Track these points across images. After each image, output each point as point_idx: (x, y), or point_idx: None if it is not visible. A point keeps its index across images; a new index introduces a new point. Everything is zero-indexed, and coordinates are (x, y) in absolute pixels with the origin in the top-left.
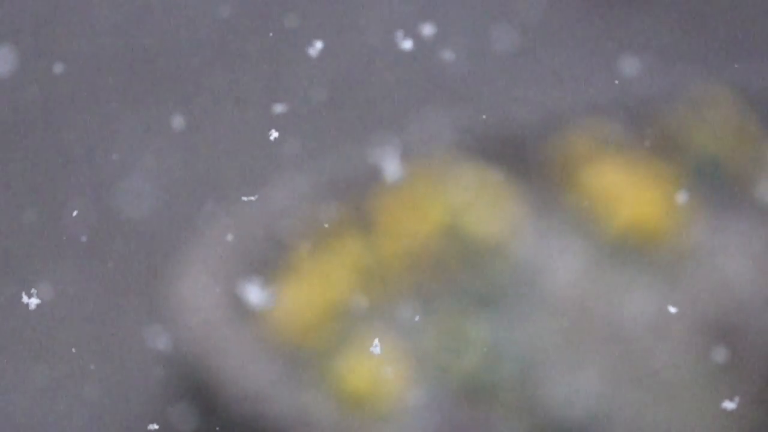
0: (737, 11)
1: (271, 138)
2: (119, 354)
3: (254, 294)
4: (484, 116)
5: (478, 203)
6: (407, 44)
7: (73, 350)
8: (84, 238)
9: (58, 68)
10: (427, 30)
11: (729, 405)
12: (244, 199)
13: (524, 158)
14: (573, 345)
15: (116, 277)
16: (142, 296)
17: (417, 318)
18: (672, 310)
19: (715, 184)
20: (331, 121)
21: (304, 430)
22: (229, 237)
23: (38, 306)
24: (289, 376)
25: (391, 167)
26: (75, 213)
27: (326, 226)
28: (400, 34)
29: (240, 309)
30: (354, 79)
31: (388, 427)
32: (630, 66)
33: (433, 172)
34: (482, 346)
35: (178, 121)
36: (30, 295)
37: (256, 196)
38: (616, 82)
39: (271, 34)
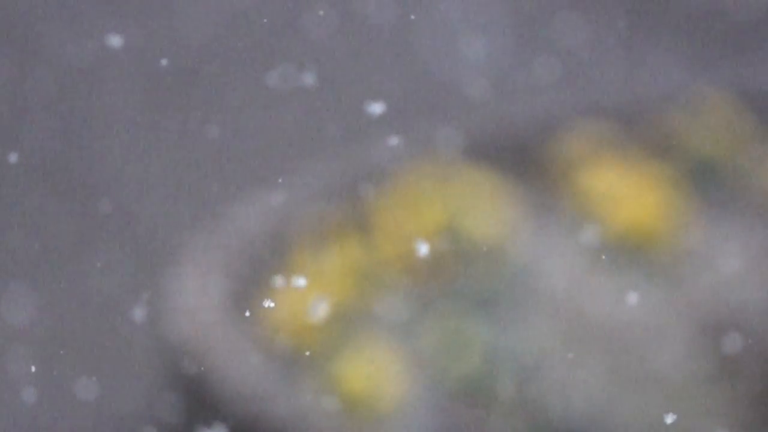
0: (735, 13)
1: (266, 306)
2: (115, 355)
3: (252, 295)
4: (482, 118)
5: (476, 205)
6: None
7: (69, 351)
8: (83, 237)
9: (13, 158)
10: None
11: (726, 406)
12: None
13: (522, 160)
14: (571, 346)
15: (114, 278)
16: (140, 297)
17: (415, 320)
18: (668, 420)
19: (713, 185)
20: (329, 122)
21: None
22: (228, 239)
23: (37, 307)
24: (287, 378)
25: (389, 169)
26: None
27: (324, 227)
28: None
29: (238, 310)
30: (352, 83)
31: (386, 429)
32: (628, 68)
33: (431, 175)
34: (480, 347)
35: (178, 124)
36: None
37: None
38: (614, 83)
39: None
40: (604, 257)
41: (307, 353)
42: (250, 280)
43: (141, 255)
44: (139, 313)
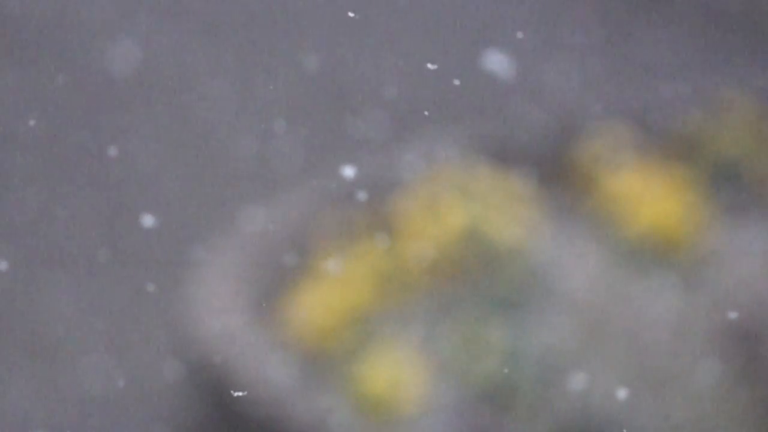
0: (757, 17)
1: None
2: (138, 357)
3: (275, 298)
4: (504, 122)
5: (498, 208)
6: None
7: (92, 354)
8: (103, 243)
9: (3, 266)
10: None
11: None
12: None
13: (544, 163)
14: (592, 348)
15: (137, 282)
16: (163, 301)
17: (436, 322)
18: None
19: (735, 188)
20: (352, 127)
21: None
22: (251, 241)
23: (59, 310)
24: (310, 380)
25: (412, 173)
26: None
27: (347, 231)
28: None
29: (261, 313)
30: (374, 88)
31: (407, 431)
32: (650, 71)
33: (453, 178)
34: (502, 349)
35: (195, 127)
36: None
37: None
38: (636, 87)
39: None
40: (625, 259)
41: (329, 355)
42: (273, 283)
43: (161, 261)
44: (160, 319)
